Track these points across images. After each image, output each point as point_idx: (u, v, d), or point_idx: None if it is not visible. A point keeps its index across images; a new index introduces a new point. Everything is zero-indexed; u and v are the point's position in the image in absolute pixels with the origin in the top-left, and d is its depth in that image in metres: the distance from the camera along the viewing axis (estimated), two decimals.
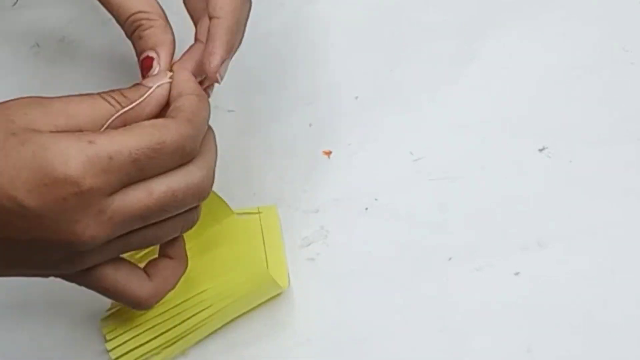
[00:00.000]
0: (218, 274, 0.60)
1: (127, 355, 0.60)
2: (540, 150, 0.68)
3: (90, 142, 0.49)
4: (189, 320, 0.60)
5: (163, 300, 0.57)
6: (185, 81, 0.56)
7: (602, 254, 0.63)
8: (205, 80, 0.59)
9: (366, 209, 0.66)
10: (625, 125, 0.68)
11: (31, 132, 0.49)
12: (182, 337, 0.61)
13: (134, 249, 0.53)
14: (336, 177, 0.67)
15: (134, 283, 0.54)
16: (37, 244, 0.49)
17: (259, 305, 0.63)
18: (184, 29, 0.62)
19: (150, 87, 0.55)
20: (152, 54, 0.58)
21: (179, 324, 0.60)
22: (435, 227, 0.65)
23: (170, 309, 0.60)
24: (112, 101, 0.53)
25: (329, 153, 0.69)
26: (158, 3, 0.60)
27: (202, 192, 0.53)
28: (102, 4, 0.61)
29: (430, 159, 0.68)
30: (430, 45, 0.73)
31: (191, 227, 0.55)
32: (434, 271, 0.63)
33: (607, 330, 0.61)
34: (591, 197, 0.65)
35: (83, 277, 0.53)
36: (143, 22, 0.59)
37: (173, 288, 0.56)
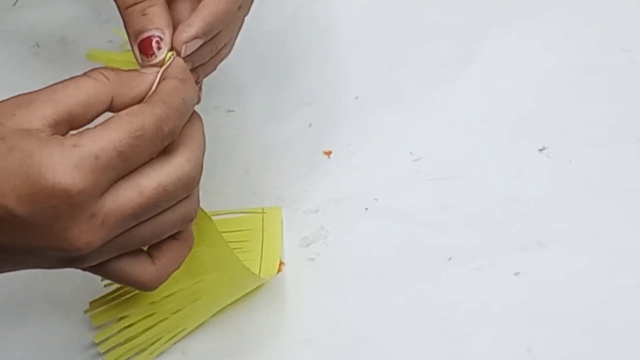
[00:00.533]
0: (203, 269, 0.60)
1: (114, 350, 0.61)
2: (540, 150, 0.68)
3: (74, 145, 0.48)
4: (172, 315, 0.61)
5: (150, 293, 0.57)
6: (171, 67, 0.54)
7: (602, 254, 0.63)
8: (199, 68, 0.58)
9: (366, 209, 0.66)
10: (625, 125, 0.68)
11: (20, 137, 0.48)
12: (166, 333, 0.61)
13: (134, 247, 0.53)
14: (336, 177, 0.67)
15: (137, 268, 0.54)
16: (32, 250, 0.49)
17: (259, 305, 0.63)
18: None
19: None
20: (158, 33, 0.56)
21: (162, 320, 0.61)
22: (435, 227, 0.65)
23: (154, 302, 0.60)
24: (99, 77, 0.51)
25: (329, 153, 0.69)
26: None
27: (191, 182, 0.52)
28: None
29: (430, 159, 0.68)
30: (430, 45, 0.73)
31: (191, 221, 0.55)
32: (434, 271, 0.63)
33: (607, 330, 0.61)
34: (591, 197, 0.65)
35: (86, 267, 0.53)
36: None
37: (178, 268, 0.56)
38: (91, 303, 0.62)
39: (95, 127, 0.50)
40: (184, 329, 0.62)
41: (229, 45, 0.60)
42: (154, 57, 0.55)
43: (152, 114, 0.50)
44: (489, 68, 0.72)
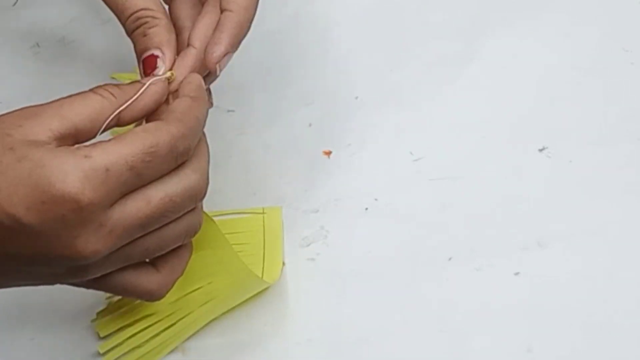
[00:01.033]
0: (207, 273, 0.60)
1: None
2: (540, 150, 0.68)
3: (86, 156, 0.48)
4: (179, 322, 0.61)
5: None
6: (185, 83, 0.56)
7: (602, 254, 0.63)
8: (207, 75, 0.59)
9: (366, 209, 0.66)
10: (625, 125, 0.68)
11: (28, 147, 0.49)
12: (170, 339, 0.61)
13: (137, 260, 0.53)
14: (336, 177, 0.67)
15: (142, 278, 0.54)
16: (38, 260, 0.49)
17: (259, 305, 0.63)
18: None
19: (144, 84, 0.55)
20: (157, 52, 0.57)
21: (167, 328, 0.61)
22: (435, 227, 0.65)
23: (158, 310, 0.61)
24: (106, 94, 0.52)
25: (329, 153, 0.69)
26: (160, 1, 0.59)
27: (198, 194, 0.53)
28: (104, 1, 0.60)
29: (430, 159, 0.68)
30: (430, 45, 0.73)
31: (195, 234, 0.55)
32: (434, 271, 0.63)
33: (607, 330, 0.61)
34: (591, 197, 0.65)
35: (89, 283, 0.53)
36: (148, 19, 0.58)
37: (181, 274, 0.56)
38: (98, 313, 0.62)
39: (109, 140, 0.50)
40: (187, 334, 0.62)
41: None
42: (152, 76, 0.56)
43: (167, 132, 0.51)
44: (489, 68, 0.72)
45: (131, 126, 0.54)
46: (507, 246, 0.64)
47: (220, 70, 0.58)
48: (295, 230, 0.66)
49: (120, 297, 0.61)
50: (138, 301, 0.61)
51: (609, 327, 0.61)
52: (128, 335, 0.61)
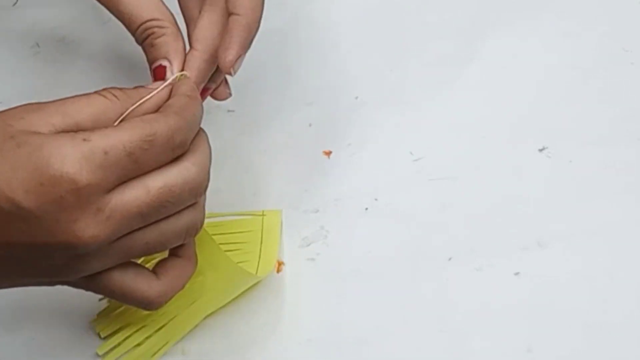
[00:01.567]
0: (196, 271, 0.60)
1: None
2: (540, 150, 0.68)
3: (84, 139, 0.49)
4: (173, 320, 0.61)
5: None
6: (180, 84, 0.56)
7: (602, 254, 0.63)
8: (216, 75, 0.61)
9: (366, 209, 0.66)
10: (625, 125, 0.68)
11: (28, 134, 0.49)
12: (165, 338, 0.61)
13: (138, 255, 0.53)
14: (336, 177, 0.67)
15: (142, 284, 0.54)
16: (37, 248, 0.49)
17: (259, 305, 0.63)
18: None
19: (155, 89, 0.55)
20: (164, 62, 0.59)
21: (162, 327, 0.61)
22: (435, 227, 0.65)
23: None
24: (109, 96, 0.53)
25: (329, 153, 0.69)
26: (168, 9, 0.60)
27: (198, 187, 0.53)
28: (113, 12, 0.61)
29: (430, 159, 0.68)
30: (430, 45, 0.73)
31: (196, 232, 0.55)
32: (434, 271, 0.63)
33: (607, 330, 0.61)
34: (591, 197, 0.65)
35: (89, 282, 0.53)
36: (155, 29, 0.60)
37: (182, 288, 0.56)
38: (98, 314, 0.62)
39: (108, 127, 0.50)
40: (182, 332, 0.62)
41: None
42: (162, 82, 0.57)
43: (165, 123, 0.51)
44: (489, 68, 0.72)
45: None
46: (507, 246, 0.64)
47: (235, 72, 0.59)
48: (295, 230, 0.66)
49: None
50: None
51: (609, 327, 0.61)
52: (126, 335, 0.61)
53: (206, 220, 0.56)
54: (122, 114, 0.53)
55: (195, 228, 0.55)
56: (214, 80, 0.62)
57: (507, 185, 0.66)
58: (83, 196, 0.48)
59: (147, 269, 0.55)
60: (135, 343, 0.61)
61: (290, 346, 0.62)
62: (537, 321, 0.61)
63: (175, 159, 0.52)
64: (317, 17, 0.75)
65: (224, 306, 0.63)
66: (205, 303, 0.61)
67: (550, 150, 0.68)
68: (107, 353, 0.61)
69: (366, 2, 0.75)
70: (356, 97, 0.71)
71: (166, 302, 0.55)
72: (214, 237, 0.59)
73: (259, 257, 0.64)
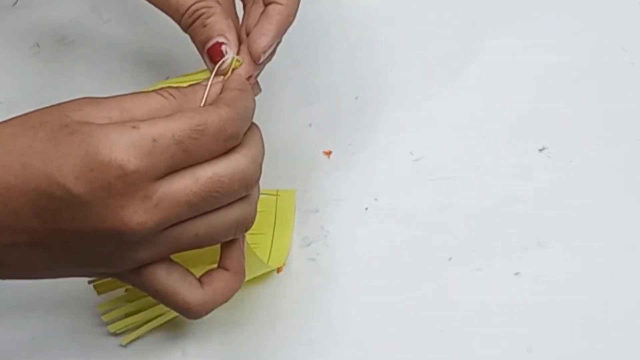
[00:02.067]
0: (210, 255, 0.60)
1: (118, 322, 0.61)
2: (540, 150, 0.68)
3: (133, 127, 0.50)
4: None
5: None
6: (230, 80, 0.57)
7: (602, 254, 0.63)
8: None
9: (366, 209, 0.66)
10: (625, 125, 0.68)
11: (82, 124, 0.50)
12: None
13: (187, 246, 0.53)
14: (336, 177, 0.67)
15: (185, 288, 0.54)
16: (86, 234, 0.50)
17: (259, 305, 0.63)
18: None
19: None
20: (221, 39, 0.59)
21: None
22: (435, 227, 0.65)
23: None
24: (166, 94, 0.53)
25: (329, 153, 0.69)
26: None
27: (248, 179, 0.53)
28: (156, 5, 0.61)
29: (430, 159, 0.68)
30: (430, 45, 0.73)
31: (247, 227, 0.55)
32: (434, 271, 0.63)
33: (607, 330, 0.61)
34: (591, 197, 0.65)
35: (135, 275, 0.53)
36: (204, 10, 0.60)
37: (226, 301, 0.56)
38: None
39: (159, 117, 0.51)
40: None
41: None
42: (222, 62, 0.58)
43: (216, 114, 0.52)
44: (489, 68, 0.72)
45: None
46: (507, 246, 0.64)
47: (262, 60, 0.59)
48: (296, 230, 0.66)
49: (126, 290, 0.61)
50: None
51: (609, 327, 0.61)
52: (127, 299, 0.61)
53: None
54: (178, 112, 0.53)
55: (246, 222, 0.55)
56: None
57: (507, 185, 0.66)
58: (131, 183, 0.49)
59: (193, 276, 0.55)
60: (137, 308, 0.61)
61: (290, 346, 0.62)
62: (537, 321, 0.61)
63: (227, 152, 0.52)
64: (317, 17, 0.75)
65: (225, 305, 0.62)
66: None
67: (550, 150, 0.68)
68: (107, 312, 0.61)
69: (366, 2, 0.75)
70: (356, 97, 0.71)
71: (206, 314, 0.55)
72: None
73: (272, 242, 0.64)
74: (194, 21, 0.60)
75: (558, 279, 0.63)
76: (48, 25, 0.75)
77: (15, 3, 0.76)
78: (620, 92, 0.70)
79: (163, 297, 0.54)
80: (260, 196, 0.63)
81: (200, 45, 0.60)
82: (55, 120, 0.51)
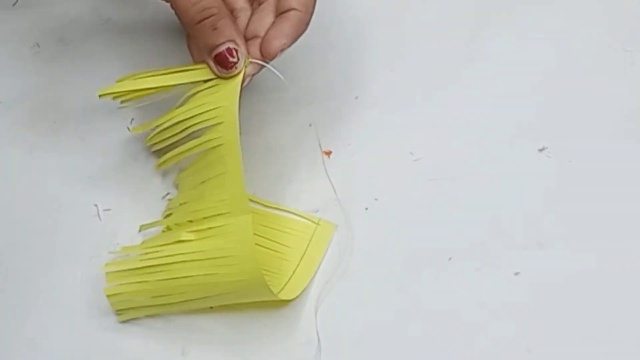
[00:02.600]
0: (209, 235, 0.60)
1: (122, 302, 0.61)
2: (540, 150, 0.68)
3: None
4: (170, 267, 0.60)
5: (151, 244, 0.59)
6: None
7: (602, 254, 0.63)
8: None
9: (366, 209, 0.66)
10: (625, 125, 0.68)
11: None
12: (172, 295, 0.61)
13: None
14: (336, 177, 0.67)
15: None
16: None
17: (259, 305, 0.63)
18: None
19: None
20: (232, 45, 0.59)
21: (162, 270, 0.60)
22: (435, 227, 0.65)
23: (155, 251, 0.61)
24: None
25: (329, 153, 0.69)
26: None
27: None
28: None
29: (430, 159, 0.68)
30: (430, 45, 0.73)
31: None
32: (434, 271, 0.63)
33: (607, 330, 0.61)
34: (591, 197, 0.65)
35: None
36: (214, 10, 0.59)
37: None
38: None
39: None
40: (187, 300, 0.61)
41: None
42: (234, 68, 0.59)
43: None
44: (489, 68, 0.72)
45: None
46: (507, 246, 0.64)
47: (272, 60, 0.60)
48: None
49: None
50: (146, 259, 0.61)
51: (609, 327, 0.61)
52: (133, 280, 0.61)
53: (256, 206, 0.55)
54: None
55: None
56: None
57: (507, 185, 0.66)
58: None
59: None
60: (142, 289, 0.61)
61: (290, 346, 0.62)
62: (537, 321, 0.61)
63: None
64: (317, 17, 0.75)
65: (226, 305, 0.62)
66: (215, 296, 0.61)
67: (550, 150, 0.68)
68: (113, 295, 0.61)
69: (366, 2, 0.75)
70: (356, 97, 0.71)
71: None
72: (260, 227, 0.58)
73: (294, 272, 0.63)
74: (204, 19, 0.59)
75: (558, 279, 0.63)
76: (48, 25, 0.75)
77: (15, 3, 0.76)
78: (620, 92, 0.70)
79: None
80: (299, 219, 0.63)
81: (206, 47, 0.59)
82: None
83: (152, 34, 0.72)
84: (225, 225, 0.59)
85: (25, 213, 0.66)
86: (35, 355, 0.62)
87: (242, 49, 0.60)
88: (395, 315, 0.62)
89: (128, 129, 0.68)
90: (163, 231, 0.64)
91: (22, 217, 0.66)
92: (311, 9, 0.62)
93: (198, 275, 0.59)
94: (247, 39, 0.61)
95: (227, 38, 0.59)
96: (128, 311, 0.62)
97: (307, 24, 0.61)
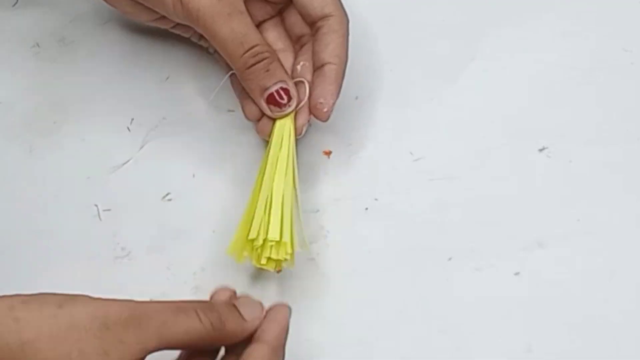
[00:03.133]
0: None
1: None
2: (540, 150, 0.68)
3: None
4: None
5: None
6: (276, 310, 0.56)
7: (602, 254, 0.63)
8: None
9: (366, 209, 0.66)
10: (625, 125, 0.68)
11: None
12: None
13: None
14: (336, 177, 0.67)
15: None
16: None
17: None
18: None
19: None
20: (284, 85, 0.62)
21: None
22: (435, 227, 0.65)
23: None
24: (203, 318, 0.52)
25: (329, 153, 0.69)
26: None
27: None
28: (210, 35, 0.62)
29: (430, 159, 0.68)
30: (430, 45, 0.73)
31: None
32: (434, 271, 0.63)
33: (607, 330, 0.61)
34: (591, 197, 0.65)
35: None
36: (267, 55, 0.62)
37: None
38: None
39: None
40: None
41: None
42: (287, 107, 0.62)
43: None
44: (489, 68, 0.72)
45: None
46: (507, 246, 0.64)
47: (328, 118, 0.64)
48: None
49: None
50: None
51: (609, 327, 0.61)
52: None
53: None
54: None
55: None
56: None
57: (507, 185, 0.66)
58: None
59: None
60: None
61: (290, 346, 0.62)
62: (537, 321, 0.61)
63: None
64: None
65: None
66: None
67: (550, 150, 0.68)
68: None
69: (366, 2, 0.75)
70: (356, 97, 0.71)
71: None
72: None
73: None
74: (256, 63, 0.61)
75: (558, 279, 0.63)
76: (48, 25, 0.75)
77: (16, 3, 0.76)
78: (620, 92, 0.70)
79: None
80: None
81: (257, 89, 0.62)
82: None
83: (152, 34, 0.72)
84: None
85: (25, 213, 0.66)
86: None
87: (292, 90, 0.63)
88: (395, 315, 0.62)
89: (128, 129, 0.68)
90: None
91: (22, 217, 0.66)
92: (344, 59, 0.64)
93: None
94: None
95: (279, 79, 0.62)
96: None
97: (344, 73, 0.64)
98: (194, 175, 0.68)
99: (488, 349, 0.61)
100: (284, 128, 0.64)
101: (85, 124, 0.70)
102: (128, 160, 0.68)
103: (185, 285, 0.63)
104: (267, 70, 0.61)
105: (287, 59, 0.66)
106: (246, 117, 0.65)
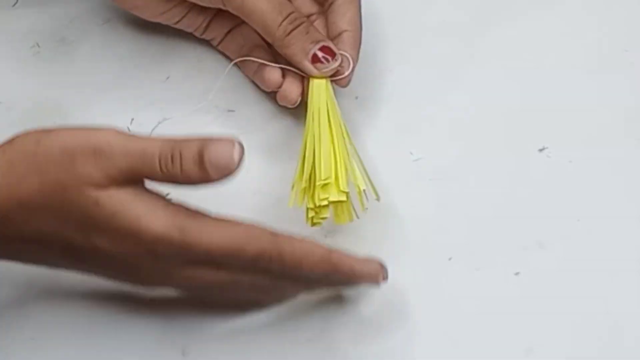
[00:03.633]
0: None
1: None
2: (540, 150, 0.68)
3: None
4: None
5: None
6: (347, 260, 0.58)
7: (602, 254, 0.63)
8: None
9: (366, 209, 0.66)
10: (625, 125, 0.68)
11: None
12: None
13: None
14: None
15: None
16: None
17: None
18: None
19: None
20: (327, 43, 0.65)
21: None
22: (435, 227, 0.65)
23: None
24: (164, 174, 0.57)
25: None
26: None
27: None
28: (245, 13, 0.65)
29: (430, 159, 0.68)
30: (430, 45, 0.73)
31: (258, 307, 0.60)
32: (434, 271, 0.63)
33: (607, 330, 0.61)
34: (591, 197, 0.65)
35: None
36: (304, 19, 0.65)
37: None
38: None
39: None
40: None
41: None
42: (333, 60, 0.65)
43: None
44: (489, 67, 0.72)
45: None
46: (507, 246, 0.64)
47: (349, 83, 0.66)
48: (296, 230, 0.65)
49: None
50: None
51: (609, 327, 0.61)
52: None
53: None
54: None
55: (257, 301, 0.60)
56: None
57: (507, 185, 0.66)
58: None
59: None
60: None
61: (290, 346, 0.62)
62: (537, 321, 0.61)
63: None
64: None
65: (225, 306, 0.62)
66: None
67: (550, 150, 0.68)
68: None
69: (366, 2, 0.75)
70: (356, 97, 0.71)
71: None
72: None
73: None
74: (295, 28, 0.64)
75: (558, 279, 0.63)
76: (48, 25, 0.75)
77: (16, 3, 0.76)
78: (620, 92, 0.70)
79: None
80: None
81: (301, 52, 0.64)
82: None
83: (152, 34, 0.72)
84: None
85: None
86: (35, 355, 0.62)
87: (333, 46, 0.65)
88: (396, 315, 0.62)
89: (128, 129, 0.68)
90: None
91: None
92: (360, 27, 0.66)
93: None
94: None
95: (319, 39, 0.64)
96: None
97: (361, 39, 0.66)
98: None
99: (488, 349, 0.61)
100: (320, 87, 0.65)
101: (85, 124, 0.69)
102: None
103: None
104: (307, 33, 0.64)
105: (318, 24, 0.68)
106: (266, 86, 0.67)
